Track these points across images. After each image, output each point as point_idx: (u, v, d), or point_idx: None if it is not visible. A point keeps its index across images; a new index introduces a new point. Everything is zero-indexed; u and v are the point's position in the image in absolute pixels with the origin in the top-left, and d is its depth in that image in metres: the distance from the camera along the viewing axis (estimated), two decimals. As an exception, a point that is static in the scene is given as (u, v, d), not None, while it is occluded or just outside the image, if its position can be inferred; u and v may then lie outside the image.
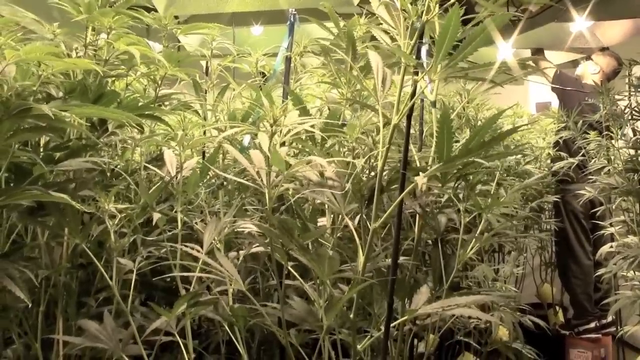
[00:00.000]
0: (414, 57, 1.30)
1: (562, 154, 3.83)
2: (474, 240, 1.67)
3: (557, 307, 4.47)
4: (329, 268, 1.28)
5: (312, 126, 1.67)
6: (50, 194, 1.33)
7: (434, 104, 1.59)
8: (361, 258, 1.35)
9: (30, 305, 1.74)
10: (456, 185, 1.63)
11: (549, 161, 3.94)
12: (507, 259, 3.48)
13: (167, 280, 2.11)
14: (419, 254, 1.84)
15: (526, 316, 2.95)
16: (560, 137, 3.72)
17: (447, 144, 1.40)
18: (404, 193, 1.31)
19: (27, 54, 1.29)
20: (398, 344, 1.73)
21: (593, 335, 4.04)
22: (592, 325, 4.05)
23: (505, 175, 2.91)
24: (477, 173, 1.66)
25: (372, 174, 1.56)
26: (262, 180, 1.37)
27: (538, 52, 4.29)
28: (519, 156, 3.45)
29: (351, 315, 1.37)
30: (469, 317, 1.81)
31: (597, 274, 3.16)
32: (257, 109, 1.87)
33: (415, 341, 2.13)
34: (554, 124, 3.85)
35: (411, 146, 1.83)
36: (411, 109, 1.36)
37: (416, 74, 1.30)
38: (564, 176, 3.88)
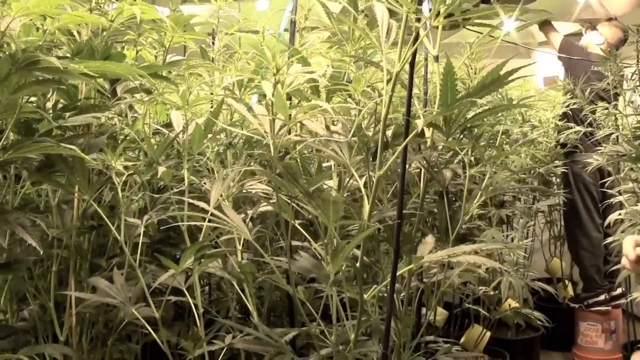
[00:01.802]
0: (415, 3, 1.31)
1: (571, 124, 3.83)
2: (479, 193, 1.68)
3: (567, 281, 4.48)
4: (334, 213, 1.29)
5: (317, 83, 1.68)
6: (59, 146, 1.35)
7: (436, 58, 1.60)
8: (366, 207, 1.36)
9: (42, 261, 1.78)
10: (460, 138, 1.64)
11: (556, 133, 3.93)
12: (515, 227, 3.48)
13: (176, 245, 2.14)
14: (425, 209, 1.86)
15: (535, 282, 2.97)
16: (567, 106, 3.72)
17: (450, 94, 1.42)
18: (407, 139, 1.32)
19: (34, 7, 1.30)
20: (405, 303, 1.75)
21: (603, 308, 4.04)
22: (602, 298, 4.05)
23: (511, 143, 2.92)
24: (481, 125, 1.67)
25: (378, 127, 1.57)
26: (266, 131, 1.38)
27: (546, 23, 4.27)
28: (527, 127, 3.45)
29: (357, 264, 1.38)
30: (476, 267, 1.81)
31: (605, 242, 3.17)
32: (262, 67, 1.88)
33: (424, 310, 2.15)
34: (562, 95, 3.85)
35: (415, 101, 1.85)
36: (413, 57, 1.37)
37: (418, 21, 1.31)
38: (572, 147, 3.88)
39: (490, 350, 3.37)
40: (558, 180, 4.20)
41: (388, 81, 1.35)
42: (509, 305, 3.22)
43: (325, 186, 1.67)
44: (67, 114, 1.60)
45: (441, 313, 3.12)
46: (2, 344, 1.64)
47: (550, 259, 4.49)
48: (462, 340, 3.20)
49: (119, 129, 1.94)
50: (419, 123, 1.23)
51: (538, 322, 3.14)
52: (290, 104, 1.82)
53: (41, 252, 1.36)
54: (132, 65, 1.78)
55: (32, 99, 1.68)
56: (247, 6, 2.86)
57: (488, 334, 3.19)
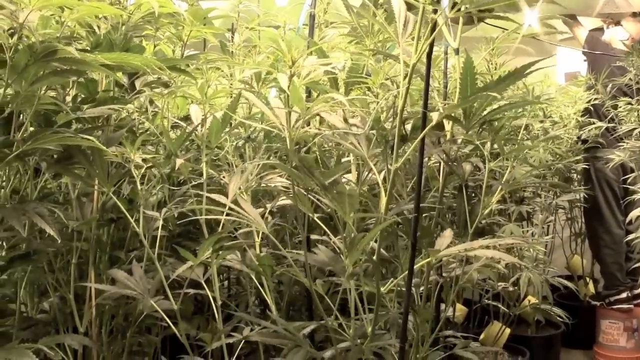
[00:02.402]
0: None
1: (593, 119, 3.79)
2: (499, 188, 1.67)
3: (588, 279, 4.44)
4: (350, 206, 1.29)
5: (336, 75, 1.68)
6: (78, 137, 1.36)
7: (456, 50, 1.59)
8: (383, 200, 1.35)
9: (62, 255, 1.80)
10: (480, 131, 1.63)
11: (578, 129, 3.90)
12: (536, 224, 3.46)
13: (196, 240, 2.15)
14: (444, 203, 1.85)
15: (556, 278, 2.95)
16: (588, 101, 3.69)
17: (470, 86, 1.41)
18: (425, 131, 1.32)
19: (52, -2, 1.31)
20: (424, 297, 1.75)
21: (624, 306, 4.00)
22: (624, 295, 4.01)
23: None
24: (501, 119, 1.66)
25: (396, 122, 1.57)
26: (282, 124, 1.38)
27: (571, 18, 4.23)
28: (548, 123, 3.43)
29: (375, 257, 1.38)
30: (496, 262, 1.80)
31: (627, 239, 3.14)
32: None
33: (443, 306, 2.14)
34: (584, 90, 3.81)
35: (436, 95, 1.84)
36: (430, 49, 1.37)
37: (434, 12, 1.30)
38: (594, 143, 3.84)
39: (510, 347, 3.35)
40: (579, 176, 4.17)
41: (405, 74, 1.34)
42: (529, 302, 3.20)
43: (344, 180, 1.67)
44: (85, 106, 1.61)
45: (460, 309, 3.11)
46: (22, 334, 1.65)
47: (571, 256, 4.45)
48: (481, 337, 3.19)
49: (138, 123, 1.95)
50: (436, 115, 1.23)
51: (558, 318, 3.12)
52: (310, 97, 1.82)
53: (59, 241, 1.37)
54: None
55: (52, 93, 1.70)
56: (266, 0, 2.86)
57: (507, 330, 3.17)
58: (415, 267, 1.44)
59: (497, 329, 3.16)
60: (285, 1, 3.57)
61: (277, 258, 1.89)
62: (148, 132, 1.92)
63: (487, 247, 1.36)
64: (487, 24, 2.75)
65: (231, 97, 2.14)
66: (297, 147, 1.61)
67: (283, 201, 1.80)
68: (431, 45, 1.38)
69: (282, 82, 1.31)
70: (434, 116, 1.23)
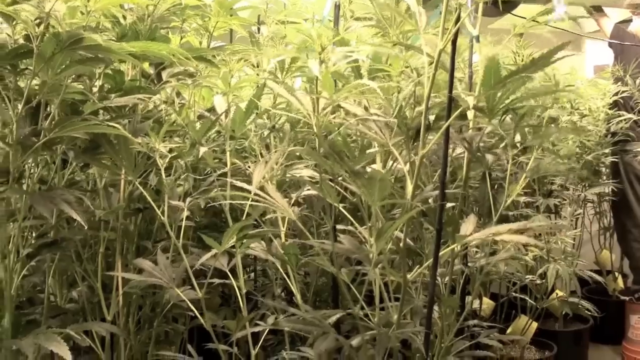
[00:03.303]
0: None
1: (622, 112, 3.75)
2: (524, 176, 1.66)
3: (617, 274, 4.40)
4: (379, 192, 1.28)
5: (359, 65, 1.68)
6: (105, 125, 1.37)
7: (477, 38, 1.58)
8: (410, 187, 1.35)
9: (90, 246, 1.82)
10: (503, 119, 1.62)
11: (606, 122, 3.86)
12: (564, 216, 3.43)
13: (222, 231, 2.16)
14: (468, 193, 1.84)
15: (585, 271, 2.93)
16: (617, 93, 3.65)
17: (494, 74, 1.40)
18: (450, 119, 1.31)
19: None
20: (448, 286, 1.74)
21: (654, 301, 3.97)
22: (654, 290, 3.98)
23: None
24: (524, 107, 1.64)
25: (419, 109, 1.56)
26: (309, 111, 1.38)
27: (597, 10, 4.19)
28: (576, 117, 3.40)
29: (401, 244, 1.38)
30: (523, 254, 1.79)
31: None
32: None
33: (469, 298, 2.13)
34: (612, 83, 3.77)
35: (459, 85, 1.83)
36: (455, 37, 1.36)
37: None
38: (622, 136, 3.80)
39: (537, 341, 3.33)
40: (607, 170, 4.13)
41: (430, 62, 1.34)
42: (557, 295, 3.18)
43: (369, 169, 1.66)
44: (113, 95, 1.63)
45: (487, 303, 3.10)
46: (51, 322, 1.67)
47: (599, 251, 4.41)
48: (508, 331, 3.17)
49: (164, 114, 1.97)
50: (470, 101, 1.22)
51: (587, 312, 3.09)
52: (336, 87, 1.82)
53: (86, 228, 1.39)
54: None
55: (79, 86, 1.71)
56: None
57: (535, 324, 3.15)
58: (440, 254, 1.43)
59: (524, 323, 3.14)
60: (311, -5, 3.57)
61: (303, 248, 1.89)
62: (174, 124, 1.94)
63: (515, 232, 1.35)
64: (514, 14, 2.74)
65: (256, 87, 2.15)
66: (324, 135, 1.60)
67: (309, 191, 1.80)
68: (456, 34, 1.37)
69: (313, 68, 1.32)
70: (467, 103, 1.23)
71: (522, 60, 2.94)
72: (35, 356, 1.49)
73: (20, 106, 1.40)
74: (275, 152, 1.69)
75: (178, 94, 2.06)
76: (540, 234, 2.64)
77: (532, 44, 2.89)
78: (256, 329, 1.63)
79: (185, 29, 2.05)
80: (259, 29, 2.46)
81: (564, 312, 3.27)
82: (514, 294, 3.01)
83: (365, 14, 2.11)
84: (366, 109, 1.48)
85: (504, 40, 1.99)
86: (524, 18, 2.17)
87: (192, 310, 1.62)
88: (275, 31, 2.34)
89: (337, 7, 1.94)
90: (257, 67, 1.96)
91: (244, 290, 1.69)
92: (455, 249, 1.50)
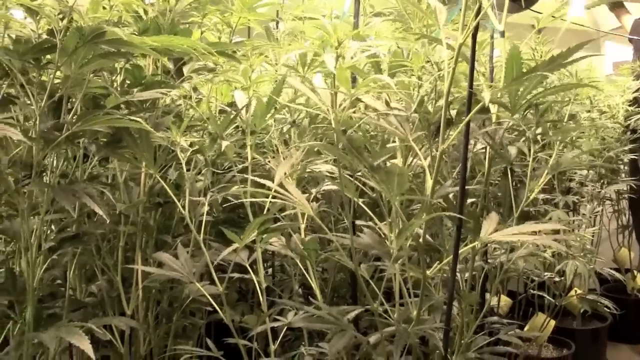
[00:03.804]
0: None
1: (640, 109, 3.73)
2: (545, 172, 1.65)
3: (635, 272, 4.37)
4: (398, 187, 1.28)
5: (379, 61, 1.68)
6: (126, 119, 1.38)
7: (502, 33, 1.58)
8: (429, 182, 1.35)
9: (109, 240, 1.83)
10: (525, 114, 1.62)
11: (625, 119, 3.83)
12: (583, 213, 3.41)
13: (241, 227, 2.16)
14: (489, 190, 1.83)
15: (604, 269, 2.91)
16: (636, 90, 3.62)
17: (516, 68, 1.39)
18: (471, 113, 1.31)
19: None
20: (468, 282, 1.74)
21: (674, 300, 3.94)
22: (672, 289, 3.95)
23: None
24: (546, 102, 1.64)
25: (439, 104, 1.56)
26: (328, 106, 1.38)
27: (617, 5, 4.16)
28: (595, 113, 3.38)
29: (420, 240, 1.38)
30: (542, 251, 1.78)
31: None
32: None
33: (487, 295, 2.12)
34: (633, 79, 3.75)
35: (481, 78, 1.82)
36: (476, 30, 1.36)
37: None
38: (642, 132, 3.78)
39: (554, 339, 3.32)
40: (625, 167, 4.10)
41: (451, 57, 1.33)
42: (576, 292, 3.16)
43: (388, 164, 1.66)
44: (135, 90, 1.63)
45: (505, 301, 3.08)
46: (72, 316, 1.69)
47: (617, 249, 4.38)
48: (525, 328, 3.16)
49: (184, 109, 1.97)
50: (488, 95, 1.22)
51: (606, 309, 3.07)
52: (355, 83, 1.82)
53: (108, 222, 1.39)
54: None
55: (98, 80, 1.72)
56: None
57: (552, 322, 3.13)
58: (460, 251, 1.43)
59: (541, 321, 3.13)
60: (329, -9, 3.57)
61: (322, 244, 1.89)
62: (193, 118, 1.94)
63: (536, 232, 1.35)
64: (533, 10, 2.72)
65: (276, 82, 2.16)
66: (343, 130, 1.60)
67: (328, 187, 1.80)
68: (476, 28, 1.37)
69: (329, 62, 1.31)
70: (485, 95, 1.22)
71: (541, 57, 2.93)
72: (56, 349, 1.50)
73: (43, 100, 1.41)
74: (295, 147, 1.69)
75: (195, 89, 2.06)
76: (558, 231, 2.63)
77: (551, 40, 2.88)
78: (275, 325, 1.63)
79: (205, 24, 2.05)
80: (277, 24, 2.46)
81: (582, 310, 3.24)
82: (532, 291, 3.00)
83: (385, 9, 2.10)
84: (387, 103, 1.48)
85: (526, 36, 1.99)
86: (541, 13, 2.16)
87: (209, 305, 1.63)
88: (292, 27, 2.34)
89: (357, 2, 1.94)
90: (276, 64, 1.96)
91: (264, 286, 1.70)
92: (476, 246, 1.50)
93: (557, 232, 2.59)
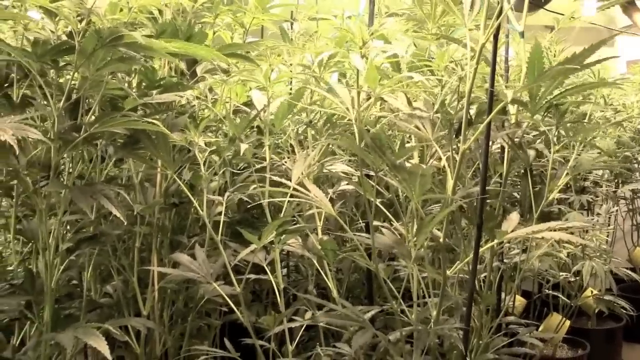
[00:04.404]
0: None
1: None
2: (565, 172, 1.64)
3: (651, 272, 4.34)
4: (420, 187, 1.27)
5: (399, 60, 1.67)
6: (143, 121, 1.38)
7: (522, 34, 1.57)
8: (450, 182, 1.34)
9: (124, 241, 1.83)
10: (545, 115, 1.60)
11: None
12: (598, 213, 3.39)
13: (256, 227, 2.16)
14: (507, 190, 1.82)
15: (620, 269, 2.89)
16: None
17: (537, 68, 1.38)
18: (492, 113, 1.30)
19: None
20: (486, 283, 1.73)
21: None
22: (688, 290, 3.92)
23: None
24: (567, 103, 1.63)
25: (460, 104, 1.55)
26: (349, 108, 1.38)
27: (630, 4, 4.12)
28: (610, 112, 3.36)
29: (441, 239, 1.37)
30: (557, 251, 1.77)
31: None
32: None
33: (503, 295, 2.12)
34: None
35: (500, 79, 1.82)
36: (497, 31, 1.35)
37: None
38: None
39: (569, 339, 3.30)
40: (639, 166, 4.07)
41: (472, 56, 1.33)
42: (592, 292, 3.14)
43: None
44: (155, 92, 1.63)
45: (519, 301, 3.07)
46: (88, 317, 1.69)
47: (632, 249, 4.35)
48: (540, 328, 3.14)
49: (198, 109, 1.97)
50: (510, 94, 1.21)
51: (622, 311, 3.05)
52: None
53: (125, 223, 1.39)
54: (211, 47, 1.81)
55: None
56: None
57: (567, 322, 3.12)
58: (480, 250, 1.42)
59: (556, 321, 3.11)
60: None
61: (338, 243, 1.89)
62: (208, 118, 1.94)
63: (555, 230, 1.34)
64: (547, 9, 2.71)
65: (291, 83, 2.15)
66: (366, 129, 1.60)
67: (345, 186, 1.79)
68: (497, 28, 1.36)
69: (356, 62, 1.31)
70: (506, 97, 1.21)
71: (554, 56, 2.91)
72: (74, 350, 1.50)
73: (61, 102, 1.41)
74: (313, 147, 1.69)
75: (210, 90, 2.06)
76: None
77: (564, 39, 2.87)
78: (293, 325, 1.63)
79: (217, 24, 2.05)
80: (292, 24, 2.45)
81: (597, 310, 3.23)
82: (547, 291, 2.98)
83: (400, 10, 2.10)
84: (409, 103, 1.47)
85: (540, 37, 1.97)
86: (554, 12, 2.15)
87: (224, 305, 1.62)
88: (307, 27, 2.34)
89: (372, 2, 1.93)
90: (290, 65, 1.96)
91: (282, 286, 1.69)
92: (494, 246, 1.49)
93: (572, 233, 2.58)
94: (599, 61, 1.31)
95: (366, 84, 1.33)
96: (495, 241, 1.40)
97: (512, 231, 1.40)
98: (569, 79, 2.72)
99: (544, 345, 3.16)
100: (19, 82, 1.55)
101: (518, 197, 2.18)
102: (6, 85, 1.56)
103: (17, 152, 1.41)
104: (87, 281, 1.76)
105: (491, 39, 1.33)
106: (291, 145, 1.87)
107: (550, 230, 1.33)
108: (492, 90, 1.33)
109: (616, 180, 3.59)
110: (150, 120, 1.38)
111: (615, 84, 1.35)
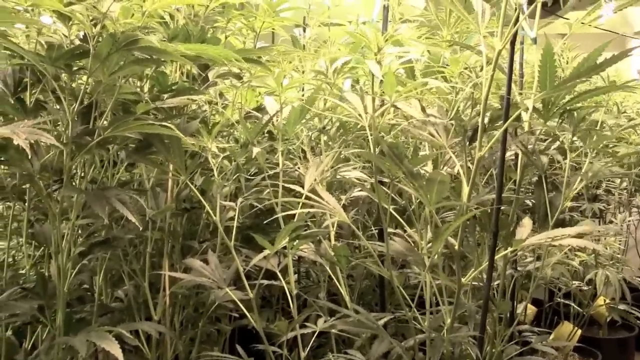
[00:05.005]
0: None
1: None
2: (579, 179, 1.63)
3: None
4: (437, 194, 1.26)
5: (412, 64, 1.66)
6: (157, 125, 1.37)
7: (534, 40, 1.56)
8: (466, 189, 1.33)
9: (136, 246, 1.83)
10: (560, 122, 1.59)
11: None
12: (614, 222, 3.37)
13: (267, 233, 2.15)
14: (522, 195, 1.81)
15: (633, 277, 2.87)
16: (667, 96, 3.58)
17: (549, 76, 1.38)
18: (509, 121, 1.29)
19: (135, -13, 1.33)
20: (500, 290, 1.72)
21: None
22: (701, 299, 3.89)
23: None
24: (581, 109, 1.61)
25: (474, 112, 1.55)
26: (362, 115, 1.37)
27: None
28: (623, 120, 3.34)
29: (456, 247, 1.36)
30: (576, 250, 1.76)
31: None
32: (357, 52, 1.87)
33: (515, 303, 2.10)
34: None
35: (514, 85, 1.81)
36: (514, 38, 1.34)
37: None
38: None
39: (580, 349, 3.27)
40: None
41: (488, 63, 1.32)
42: (604, 301, 3.12)
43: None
44: (166, 96, 1.63)
45: (529, 309, 3.05)
46: (100, 321, 1.68)
47: (645, 257, 4.33)
48: (551, 337, 3.12)
49: (209, 114, 1.97)
50: (530, 103, 1.20)
51: (636, 320, 3.03)
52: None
53: (141, 228, 1.39)
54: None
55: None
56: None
57: (579, 332, 3.09)
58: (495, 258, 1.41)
59: (567, 330, 3.09)
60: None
61: (350, 250, 1.88)
62: (220, 124, 1.94)
63: (572, 236, 1.33)
64: (559, 16, 2.70)
65: (302, 89, 2.15)
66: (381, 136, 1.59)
67: (358, 193, 1.79)
68: (514, 35, 1.35)
69: (373, 69, 1.30)
70: (522, 105, 1.20)
71: (567, 63, 2.91)
72: (87, 354, 1.50)
73: (74, 106, 1.41)
74: (327, 154, 1.68)
75: (221, 95, 2.06)
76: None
77: (577, 46, 2.86)
78: (306, 331, 1.62)
79: (229, 28, 2.05)
80: (304, 29, 2.45)
81: (609, 319, 3.20)
82: (559, 299, 2.97)
83: (414, 16, 2.09)
84: (423, 110, 1.46)
85: (556, 43, 1.96)
86: (567, 19, 2.14)
87: (235, 311, 1.62)
88: (318, 33, 2.33)
89: (386, 9, 1.93)
90: (303, 72, 1.96)
91: (295, 292, 1.69)
92: (509, 253, 1.48)
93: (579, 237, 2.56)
94: (611, 62, 1.30)
95: (384, 90, 1.33)
96: (510, 250, 1.39)
97: (527, 238, 1.39)
98: (580, 84, 2.72)
99: (555, 354, 3.14)
100: (32, 87, 1.55)
101: (530, 204, 2.17)
102: (19, 89, 1.56)
103: (31, 156, 1.41)
104: (99, 285, 1.75)
105: (507, 46, 1.32)
106: (303, 151, 1.87)
107: (568, 237, 1.31)
108: (508, 97, 1.32)
109: (632, 189, 3.57)
110: (165, 124, 1.37)
111: (626, 86, 1.33)
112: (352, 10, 2.47)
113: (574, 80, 1.25)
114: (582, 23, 2.05)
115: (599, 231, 1.80)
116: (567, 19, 2.26)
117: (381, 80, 1.71)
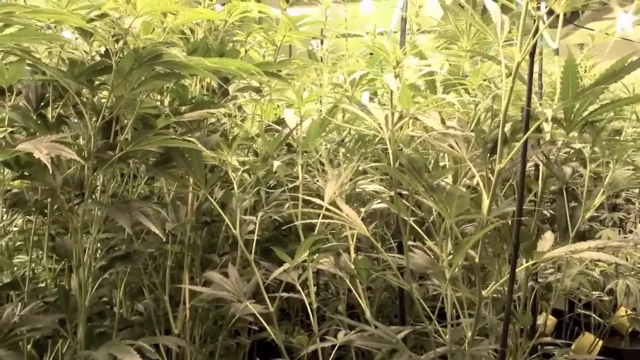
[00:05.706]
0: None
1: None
2: (601, 190, 1.62)
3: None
4: (457, 208, 1.26)
5: (434, 77, 1.66)
6: (178, 139, 1.38)
7: (556, 51, 1.56)
8: (486, 202, 1.33)
9: (155, 258, 1.83)
10: (581, 132, 1.59)
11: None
12: (635, 232, 3.34)
13: (285, 245, 2.15)
14: (543, 207, 1.81)
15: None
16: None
17: (572, 86, 1.37)
18: (529, 132, 1.28)
19: (157, 4, 1.33)
20: (522, 303, 1.71)
21: None
22: None
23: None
24: (602, 120, 1.61)
25: (495, 123, 1.54)
26: (382, 127, 1.37)
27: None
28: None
29: (476, 259, 1.35)
30: (590, 269, 1.75)
31: None
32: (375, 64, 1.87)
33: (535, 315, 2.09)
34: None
35: (534, 96, 1.80)
36: (533, 49, 1.34)
37: (538, 9, 1.28)
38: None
39: (601, 360, 3.24)
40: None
41: (508, 74, 1.32)
42: (626, 312, 3.09)
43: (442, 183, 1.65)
44: (184, 108, 1.64)
45: (550, 320, 3.03)
46: (120, 335, 1.69)
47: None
48: (571, 348, 3.09)
49: (229, 127, 1.98)
50: (545, 115, 1.19)
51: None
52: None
53: (164, 240, 1.39)
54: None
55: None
56: (353, 8, 2.86)
57: (600, 343, 3.07)
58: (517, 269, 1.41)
59: (589, 341, 3.06)
60: (370, 9, 3.57)
61: (370, 263, 1.88)
62: (239, 137, 1.94)
63: (593, 249, 1.32)
64: (577, 25, 2.69)
65: (320, 102, 2.15)
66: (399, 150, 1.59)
67: (377, 205, 1.79)
68: (534, 46, 1.35)
69: (390, 82, 1.30)
70: (542, 117, 1.20)
71: (585, 72, 2.89)
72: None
73: (96, 121, 1.42)
74: (345, 166, 1.68)
75: (239, 108, 2.07)
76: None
77: (596, 54, 2.84)
78: (326, 345, 1.62)
79: (249, 42, 2.06)
80: (322, 41, 2.46)
81: (630, 330, 3.17)
82: (579, 310, 2.94)
83: (431, 27, 2.09)
84: (443, 121, 1.46)
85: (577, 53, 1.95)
86: (587, 29, 2.13)
87: (254, 324, 1.62)
88: (335, 44, 2.34)
89: (404, 20, 1.93)
90: (320, 85, 1.96)
91: (315, 305, 1.68)
92: (530, 266, 1.47)
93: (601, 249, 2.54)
94: (632, 68, 1.29)
95: (400, 104, 1.33)
96: (531, 262, 1.38)
97: (549, 251, 1.38)
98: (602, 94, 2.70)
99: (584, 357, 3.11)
100: (54, 102, 1.57)
101: (549, 215, 2.16)
102: (42, 104, 1.58)
103: (53, 171, 1.42)
104: (119, 299, 1.76)
105: (527, 57, 1.32)
106: (322, 164, 1.87)
107: (590, 250, 1.30)
108: (528, 109, 1.31)
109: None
110: (187, 138, 1.38)
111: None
112: (369, 21, 2.48)
113: (596, 87, 1.24)
114: (606, 34, 2.05)
115: (622, 242, 1.79)
116: (591, 29, 2.25)
117: (400, 93, 1.72)
